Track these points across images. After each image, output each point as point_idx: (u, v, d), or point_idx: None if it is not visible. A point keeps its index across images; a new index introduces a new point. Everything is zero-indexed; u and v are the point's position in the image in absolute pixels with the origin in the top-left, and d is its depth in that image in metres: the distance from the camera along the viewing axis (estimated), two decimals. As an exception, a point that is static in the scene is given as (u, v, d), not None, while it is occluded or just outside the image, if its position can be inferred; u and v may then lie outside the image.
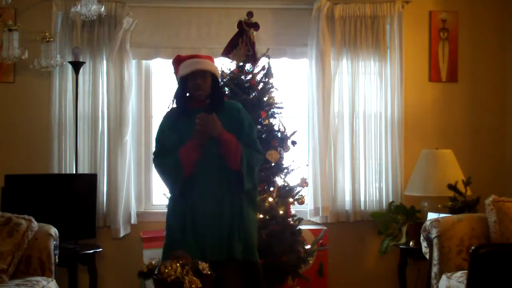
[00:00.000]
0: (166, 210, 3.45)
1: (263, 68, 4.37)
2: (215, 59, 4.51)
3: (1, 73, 4.82)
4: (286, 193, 4.26)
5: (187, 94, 3.30)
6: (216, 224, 3.17)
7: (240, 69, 4.31)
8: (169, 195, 4.28)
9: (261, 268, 3.34)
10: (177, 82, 3.35)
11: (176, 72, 3.32)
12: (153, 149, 4.94)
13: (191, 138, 3.16)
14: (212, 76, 3.27)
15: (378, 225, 4.85)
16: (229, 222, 3.20)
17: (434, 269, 3.98)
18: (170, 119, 3.31)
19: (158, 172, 3.29)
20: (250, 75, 4.30)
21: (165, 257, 3.11)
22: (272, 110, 4.31)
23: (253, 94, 4.26)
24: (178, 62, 3.31)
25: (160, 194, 4.59)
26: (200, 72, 3.22)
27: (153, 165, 3.34)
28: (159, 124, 3.34)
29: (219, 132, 3.13)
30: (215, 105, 3.26)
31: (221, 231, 3.17)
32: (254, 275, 3.26)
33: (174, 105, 3.34)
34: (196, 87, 3.23)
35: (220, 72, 4.26)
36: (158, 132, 3.32)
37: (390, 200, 4.90)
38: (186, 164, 3.14)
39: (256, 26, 4.41)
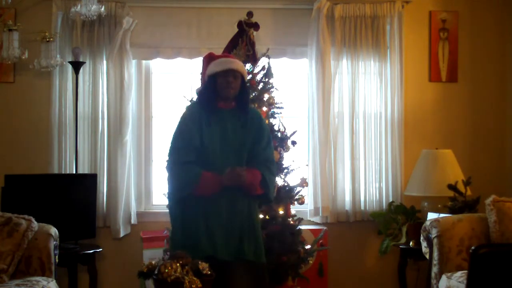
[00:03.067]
0: (168, 210, 3.44)
1: (263, 68, 4.37)
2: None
3: (1, 73, 4.81)
4: (286, 193, 4.25)
5: (215, 91, 3.28)
6: (228, 224, 3.17)
7: (240, 69, 4.30)
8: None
9: (266, 269, 3.35)
10: (202, 80, 3.37)
11: (204, 68, 3.33)
12: (154, 148, 4.98)
13: (218, 176, 3.16)
14: (241, 78, 3.29)
15: (378, 225, 4.85)
16: (240, 223, 3.21)
17: (434, 269, 3.98)
18: (193, 112, 3.29)
19: (170, 172, 3.26)
20: (250, 75, 4.30)
21: (174, 247, 3.11)
22: (272, 110, 4.31)
23: (253, 94, 4.26)
24: (209, 59, 3.33)
25: (160, 194, 4.59)
26: (233, 72, 3.24)
27: (168, 158, 3.28)
28: (181, 116, 3.31)
29: (246, 182, 3.17)
30: (242, 108, 3.28)
31: (232, 231, 3.18)
32: (260, 276, 3.26)
33: (197, 101, 3.36)
34: (227, 85, 3.23)
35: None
36: (180, 123, 3.28)
37: (390, 200, 4.90)
38: (201, 191, 3.15)
39: (256, 26, 4.41)
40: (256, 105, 4.20)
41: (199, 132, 3.21)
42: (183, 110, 3.39)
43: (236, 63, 3.28)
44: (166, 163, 3.27)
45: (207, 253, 3.03)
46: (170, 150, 3.27)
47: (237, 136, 3.24)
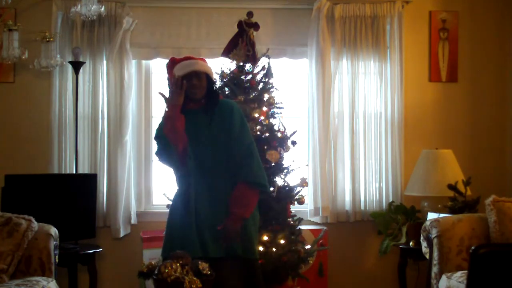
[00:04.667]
0: (169, 210, 3.44)
1: (263, 68, 4.37)
2: (215, 59, 4.57)
3: (1, 73, 4.82)
4: (286, 193, 4.25)
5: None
6: (216, 221, 3.17)
7: (240, 69, 4.30)
8: (170, 195, 4.27)
9: (259, 265, 3.35)
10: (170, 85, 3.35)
11: (170, 75, 3.33)
12: (154, 148, 4.98)
13: (167, 109, 3.19)
14: (206, 77, 3.29)
15: (378, 225, 4.85)
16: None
17: (434, 269, 3.98)
18: None
19: (163, 162, 3.30)
20: (250, 75, 4.30)
21: (166, 251, 3.12)
22: (272, 110, 4.30)
23: (253, 94, 4.26)
24: (172, 64, 3.32)
25: (160, 194, 4.59)
26: (195, 73, 3.24)
27: (158, 159, 3.31)
28: (159, 123, 3.33)
29: (241, 224, 3.16)
30: (210, 105, 3.28)
31: (221, 230, 3.18)
32: (252, 272, 3.26)
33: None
34: (192, 87, 3.24)
35: (220, 72, 4.28)
36: (158, 130, 3.32)
37: (390, 200, 4.90)
38: (173, 136, 3.14)
39: (256, 26, 4.41)
40: (256, 105, 4.21)
41: None
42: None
43: (197, 64, 3.26)
44: (157, 156, 3.30)
45: (197, 254, 3.03)
46: (156, 152, 3.32)
47: (210, 133, 3.24)
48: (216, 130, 3.24)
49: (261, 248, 3.95)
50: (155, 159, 5.01)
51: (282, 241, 4.08)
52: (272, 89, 4.34)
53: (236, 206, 3.17)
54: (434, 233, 4.00)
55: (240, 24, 4.37)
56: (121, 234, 4.78)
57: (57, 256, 3.85)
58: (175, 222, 3.26)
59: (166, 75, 3.40)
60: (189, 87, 3.24)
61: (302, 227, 4.43)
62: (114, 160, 4.73)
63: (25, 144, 4.83)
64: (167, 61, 4.91)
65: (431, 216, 4.40)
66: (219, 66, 4.33)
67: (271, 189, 4.14)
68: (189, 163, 3.19)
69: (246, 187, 3.20)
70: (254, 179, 3.22)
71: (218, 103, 3.32)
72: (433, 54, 5.07)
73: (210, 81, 3.32)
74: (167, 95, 3.26)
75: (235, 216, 3.15)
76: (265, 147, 4.17)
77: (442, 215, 4.30)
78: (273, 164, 4.19)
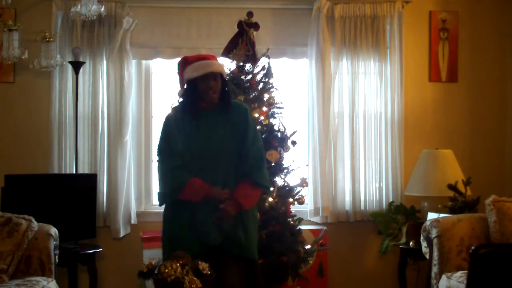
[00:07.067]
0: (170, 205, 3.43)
1: (263, 68, 4.37)
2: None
3: (1, 73, 4.82)
4: (286, 193, 4.26)
5: (197, 96, 3.24)
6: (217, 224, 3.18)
7: (240, 69, 4.30)
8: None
9: (259, 265, 3.35)
10: (181, 83, 3.32)
11: (181, 73, 3.30)
12: (154, 148, 4.96)
13: (205, 185, 3.15)
14: (221, 76, 3.27)
15: (378, 225, 4.85)
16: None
17: (434, 269, 3.98)
18: (175, 118, 3.27)
19: (159, 175, 3.25)
20: (250, 75, 4.30)
21: (166, 249, 3.12)
22: (272, 110, 4.31)
23: (253, 94, 4.26)
24: (185, 63, 3.27)
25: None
26: (212, 75, 3.21)
27: (158, 163, 3.26)
28: (164, 123, 3.29)
29: (236, 209, 3.16)
30: (224, 106, 3.26)
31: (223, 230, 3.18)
32: (252, 272, 3.26)
33: (180, 105, 3.32)
34: (209, 89, 3.21)
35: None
36: (164, 132, 3.27)
37: (390, 200, 4.90)
38: (186, 197, 3.15)
39: (256, 26, 4.41)
40: (256, 105, 4.21)
41: (184, 137, 3.19)
42: (167, 112, 3.34)
43: (214, 65, 3.21)
44: (157, 164, 3.27)
45: (193, 247, 3.05)
46: (158, 154, 3.27)
47: (224, 134, 3.23)
48: (231, 131, 3.22)
49: (261, 248, 3.95)
50: (155, 159, 5.01)
51: (282, 241, 4.08)
52: (272, 89, 4.35)
53: (239, 195, 3.18)
54: (434, 233, 4.00)
55: (240, 24, 4.37)
56: (121, 234, 4.78)
57: (57, 256, 3.86)
58: (172, 218, 3.25)
59: (177, 74, 3.35)
60: (207, 89, 3.19)
61: (302, 227, 4.43)
62: (114, 160, 4.73)
63: (25, 144, 4.83)
64: (167, 61, 4.97)
65: (431, 216, 4.40)
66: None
67: (271, 189, 4.15)
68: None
69: (252, 185, 3.22)
70: (261, 181, 3.25)
71: (231, 103, 3.32)
72: (433, 54, 5.07)
73: (223, 80, 3.29)
74: (182, 101, 3.26)
75: (235, 202, 3.16)
76: (265, 147, 4.17)
77: (442, 215, 4.30)
78: (273, 164, 4.19)
